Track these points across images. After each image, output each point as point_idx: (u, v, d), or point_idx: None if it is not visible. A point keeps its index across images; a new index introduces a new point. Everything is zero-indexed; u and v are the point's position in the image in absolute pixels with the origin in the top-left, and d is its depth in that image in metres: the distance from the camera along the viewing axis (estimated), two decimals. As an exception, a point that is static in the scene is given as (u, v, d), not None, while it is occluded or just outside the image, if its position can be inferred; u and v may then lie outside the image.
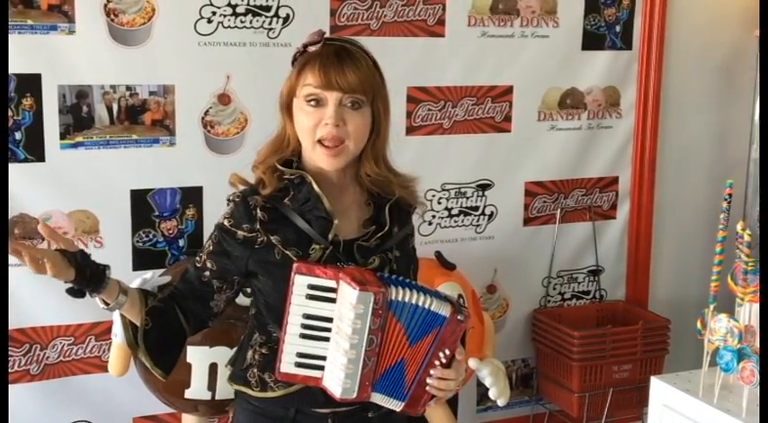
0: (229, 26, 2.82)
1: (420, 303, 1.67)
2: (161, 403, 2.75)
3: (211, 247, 1.82)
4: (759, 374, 1.89)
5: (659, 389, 2.49)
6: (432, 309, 1.67)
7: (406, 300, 1.67)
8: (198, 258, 1.84)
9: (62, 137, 2.69)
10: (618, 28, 3.42)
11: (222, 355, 2.51)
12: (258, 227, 1.75)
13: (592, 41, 3.38)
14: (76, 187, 2.73)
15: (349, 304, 1.64)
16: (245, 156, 2.90)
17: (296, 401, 1.79)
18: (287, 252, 1.74)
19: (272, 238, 1.74)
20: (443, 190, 3.24)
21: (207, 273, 1.81)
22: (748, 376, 2.21)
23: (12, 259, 1.65)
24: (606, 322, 3.49)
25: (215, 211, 2.86)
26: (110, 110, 2.73)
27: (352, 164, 1.80)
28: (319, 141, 1.72)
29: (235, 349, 1.95)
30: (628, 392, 3.31)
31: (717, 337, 2.33)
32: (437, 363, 1.70)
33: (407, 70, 3.07)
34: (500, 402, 2.54)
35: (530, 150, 3.35)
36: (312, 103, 1.72)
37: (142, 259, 2.83)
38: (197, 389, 2.58)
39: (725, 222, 2.35)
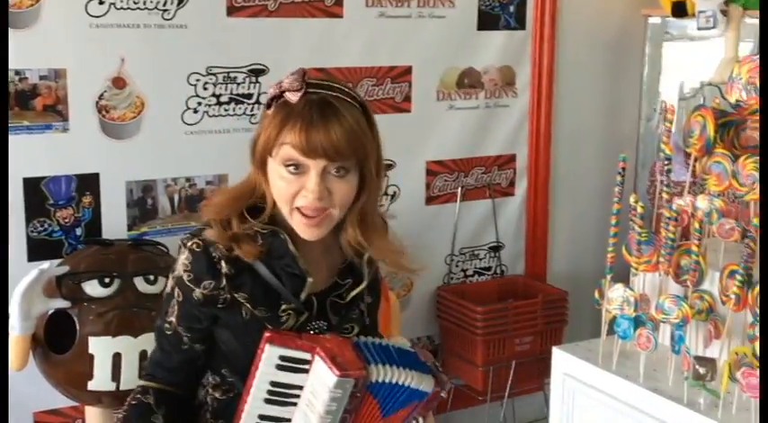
0: (122, 7, 2.74)
1: (402, 381, 1.55)
2: (61, 397, 2.68)
3: (177, 310, 1.61)
4: (760, 376, 1.97)
5: (561, 358, 2.57)
6: (415, 387, 1.56)
7: (387, 380, 1.54)
8: (167, 324, 1.63)
9: (-53, 124, 2.57)
10: (512, 8, 3.48)
11: (126, 344, 2.47)
12: (224, 283, 1.56)
13: (487, 21, 3.43)
14: (-35, 176, 2.62)
15: (325, 386, 1.51)
16: (142, 140, 2.86)
17: None
18: (255, 312, 1.58)
19: (236, 295, 1.57)
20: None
21: (185, 340, 1.63)
22: (644, 342, 2.30)
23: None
24: (507, 297, 3.57)
25: (112, 198, 2.84)
26: (-2, 95, 2.62)
27: None
28: (298, 208, 1.55)
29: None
30: (530, 364, 3.40)
31: (614, 307, 2.42)
32: None
33: (306, 52, 3.05)
34: None
35: (430, 130, 3.39)
36: (291, 168, 1.52)
37: (37, 250, 2.74)
38: (100, 380, 2.52)
39: (619, 195, 2.43)
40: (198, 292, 1.57)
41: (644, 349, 2.30)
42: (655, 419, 2.23)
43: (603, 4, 3.68)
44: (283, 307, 1.59)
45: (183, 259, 1.59)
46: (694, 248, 2.32)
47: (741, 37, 3.31)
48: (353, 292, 1.65)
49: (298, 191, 1.53)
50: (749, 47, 3.33)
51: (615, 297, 2.41)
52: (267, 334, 1.52)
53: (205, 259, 1.56)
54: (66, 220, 2.78)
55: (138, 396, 1.64)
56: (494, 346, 3.31)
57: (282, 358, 1.53)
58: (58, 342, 2.55)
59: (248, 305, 1.57)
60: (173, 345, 1.64)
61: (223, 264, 1.56)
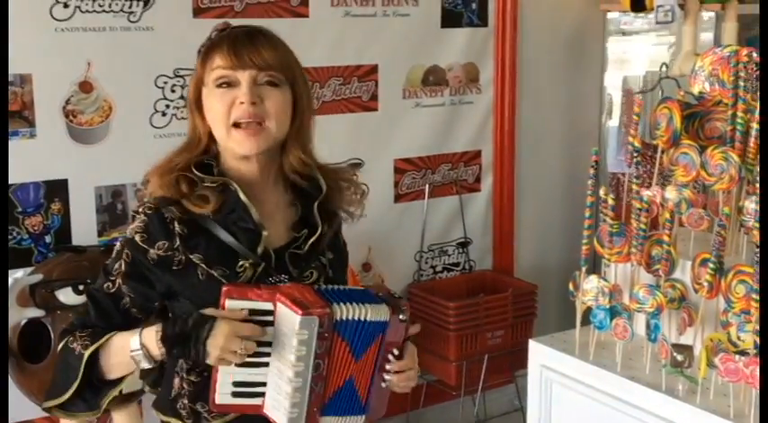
0: (87, 11, 2.71)
1: (362, 317, 1.55)
2: (34, 407, 2.63)
3: (123, 268, 1.60)
4: (759, 375, 2.01)
5: (537, 350, 2.60)
6: (372, 319, 1.56)
7: (350, 317, 1.54)
8: (109, 282, 1.61)
9: None
10: (474, 5, 3.51)
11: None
12: (177, 243, 1.57)
13: (450, 19, 3.46)
14: (-70, 186, 2.57)
15: (291, 330, 1.50)
16: (110, 145, 2.83)
17: None
18: (212, 272, 1.57)
19: (191, 256, 1.57)
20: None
21: (126, 300, 1.61)
22: (621, 332, 2.34)
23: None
24: (476, 291, 3.60)
25: (81, 204, 2.81)
26: (-38, 102, 2.58)
27: (275, 160, 1.64)
28: (235, 125, 1.57)
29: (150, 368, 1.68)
30: (501, 357, 3.43)
31: (588, 298, 2.45)
32: (388, 366, 1.61)
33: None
34: None
35: (397, 128, 3.41)
36: (223, 85, 1.56)
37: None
38: (76, 389, 2.49)
39: (593, 188, 2.46)
40: (152, 253, 1.57)
41: (621, 339, 2.34)
42: (633, 407, 2.27)
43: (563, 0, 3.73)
44: (240, 262, 1.58)
45: (136, 223, 1.60)
46: (665, 238, 2.36)
47: (699, 30, 3.39)
48: (310, 240, 1.65)
49: (231, 103, 1.56)
50: (708, 38, 3.41)
51: (590, 288, 2.44)
52: (225, 288, 1.52)
53: (158, 220, 1.57)
54: (36, 228, 2.74)
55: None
56: (466, 341, 3.34)
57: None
58: (31, 351, 2.51)
59: (203, 266, 1.57)
60: (112, 304, 1.61)
61: (176, 224, 1.57)
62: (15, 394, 2.60)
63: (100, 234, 2.83)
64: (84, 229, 2.80)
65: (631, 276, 2.46)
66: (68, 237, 2.78)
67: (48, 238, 2.76)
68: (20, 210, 2.71)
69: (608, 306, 2.41)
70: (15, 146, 2.67)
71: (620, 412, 2.31)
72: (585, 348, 2.47)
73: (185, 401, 1.64)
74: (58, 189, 2.76)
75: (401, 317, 1.60)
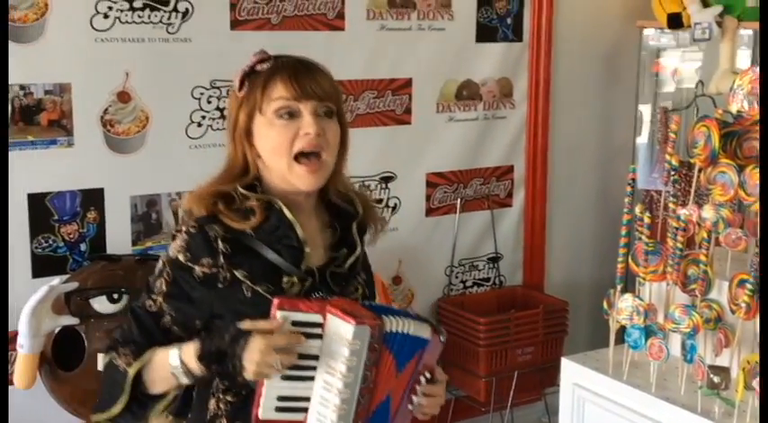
0: (127, 21, 2.74)
1: (408, 331, 1.55)
2: (66, 415, 2.65)
3: (165, 288, 1.60)
4: (760, 376, 1.99)
5: (569, 368, 2.58)
6: (415, 334, 1.56)
7: (399, 329, 1.54)
8: (150, 301, 1.62)
9: (-48, 140, 2.55)
10: (509, 20, 3.51)
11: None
12: (221, 261, 1.56)
13: (485, 34, 3.46)
14: (-30, 193, 2.60)
15: (343, 340, 1.49)
16: (146, 154, 2.85)
17: None
18: (257, 288, 1.57)
19: (236, 273, 1.57)
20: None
21: (167, 319, 1.61)
22: (656, 352, 2.32)
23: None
24: (507, 307, 3.58)
25: (117, 213, 2.83)
26: (3, 111, 2.61)
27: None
28: (296, 158, 1.58)
29: (175, 396, 1.68)
30: (531, 374, 3.41)
31: (623, 317, 2.43)
32: (419, 388, 1.60)
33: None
34: None
35: (430, 142, 3.40)
36: (285, 116, 1.57)
37: (42, 266, 2.71)
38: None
39: (629, 206, 2.45)
40: (198, 270, 1.57)
41: (656, 359, 2.32)
42: (668, 428, 2.25)
43: (599, 15, 3.72)
44: (285, 279, 1.59)
45: (178, 242, 1.59)
46: (702, 258, 2.34)
47: (736, 48, 3.36)
48: (350, 259, 1.67)
49: (294, 134, 1.57)
50: (746, 55, 3.38)
51: (625, 307, 2.42)
52: (276, 300, 1.51)
53: (201, 238, 1.57)
54: (71, 236, 2.76)
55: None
56: (496, 357, 3.32)
57: (295, 324, 1.51)
58: (65, 359, 2.53)
59: (248, 282, 1.57)
60: (153, 322, 1.61)
61: (220, 242, 1.57)
62: (48, 401, 2.62)
63: (134, 243, 2.84)
64: (119, 238, 2.81)
65: (666, 296, 2.44)
66: (103, 245, 2.80)
67: (83, 247, 2.78)
68: (56, 218, 2.73)
69: (643, 325, 2.39)
70: (53, 154, 2.69)
71: (654, 433, 2.30)
72: (619, 368, 2.45)
73: (224, 421, 1.63)
74: (94, 198, 2.77)
75: (441, 338, 1.60)
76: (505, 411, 3.44)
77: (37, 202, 2.69)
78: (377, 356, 1.53)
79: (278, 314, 1.50)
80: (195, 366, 1.54)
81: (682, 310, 2.32)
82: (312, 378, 1.54)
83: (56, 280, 2.49)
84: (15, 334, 2.47)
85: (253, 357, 1.47)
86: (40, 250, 2.72)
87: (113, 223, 2.81)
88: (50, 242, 2.73)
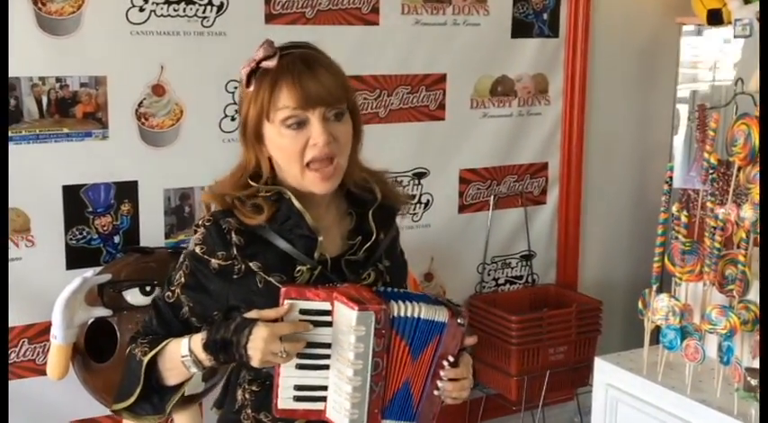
0: (162, 15, 2.74)
1: (418, 314, 1.54)
2: (98, 405, 2.66)
3: (183, 280, 1.63)
4: (760, 376, 1.95)
5: (603, 368, 2.55)
6: (430, 318, 1.55)
7: (408, 314, 1.53)
8: (169, 292, 1.64)
9: (-11, 132, 2.57)
10: (545, 16, 3.46)
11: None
12: (235, 253, 1.58)
13: (521, 29, 3.42)
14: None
15: (348, 327, 1.50)
16: (180, 148, 2.86)
17: None
18: (270, 279, 1.58)
19: (250, 264, 1.58)
20: (385, 173, 3.23)
21: (185, 310, 1.63)
22: (692, 353, 2.29)
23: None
24: (539, 306, 3.55)
25: (150, 206, 2.84)
26: (39, 103, 2.62)
27: None
28: (308, 165, 1.57)
29: (220, 388, 1.75)
30: (563, 374, 3.37)
31: (658, 317, 2.40)
32: (442, 373, 1.58)
33: (343, 59, 3.01)
34: None
35: (463, 138, 3.37)
36: (293, 126, 1.55)
37: (76, 258, 2.73)
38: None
39: (666, 204, 2.41)
40: (214, 263, 1.59)
41: (692, 360, 2.29)
42: (703, 431, 2.22)
43: (637, 11, 3.66)
44: (297, 268, 1.59)
45: (196, 236, 1.62)
46: (741, 258, 2.30)
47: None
48: (366, 245, 1.65)
49: (305, 144, 1.56)
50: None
51: (660, 307, 2.39)
52: (283, 289, 1.53)
53: (215, 231, 1.59)
54: (105, 228, 2.77)
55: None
56: (528, 356, 3.28)
57: (303, 312, 1.52)
58: (98, 350, 2.54)
59: (262, 273, 1.58)
60: (172, 313, 1.64)
61: (233, 234, 1.58)
62: (80, 392, 2.64)
63: (167, 236, 2.86)
64: (152, 231, 2.83)
65: (703, 296, 2.40)
66: (137, 238, 2.81)
67: (116, 239, 2.79)
68: (90, 210, 2.74)
69: (679, 326, 2.36)
70: (88, 147, 2.71)
71: (688, 436, 2.26)
72: (653, 368, 2.42)
73: (249, 411, 1.64)
74: (128, 190, 2.78)
75: (459, 320, 1.57)
76: (537, 411, 3.41)
77: (72, 194, 2.71)
78: (386, 342, 1.52)
79: (285, 303, 1.52)
80: (203, 356, 1.55)
81: (719, 311, 2.28)
82: (327, 366, 1.54)
83: (89, 272, 2.50)
84: (49, 324, 2.49)
85: (257, 346, 1.49)
86: (74, 242, 2.74)
87: (147, 216, 2.82)
88: (84, 234, 2.75)
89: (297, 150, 1.56)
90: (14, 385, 2.71)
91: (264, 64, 1.57)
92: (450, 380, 1.60)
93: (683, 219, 2.42)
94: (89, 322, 2.52)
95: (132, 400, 1.65)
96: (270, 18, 2.89)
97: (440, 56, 3.26)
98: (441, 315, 1.56)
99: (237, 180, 1.63)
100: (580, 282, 3.75)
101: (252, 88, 1.59)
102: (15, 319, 2.67)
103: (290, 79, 1.54)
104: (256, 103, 1.58)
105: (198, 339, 1.56)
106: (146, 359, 1.61)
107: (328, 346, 1.53)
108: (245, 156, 1.65)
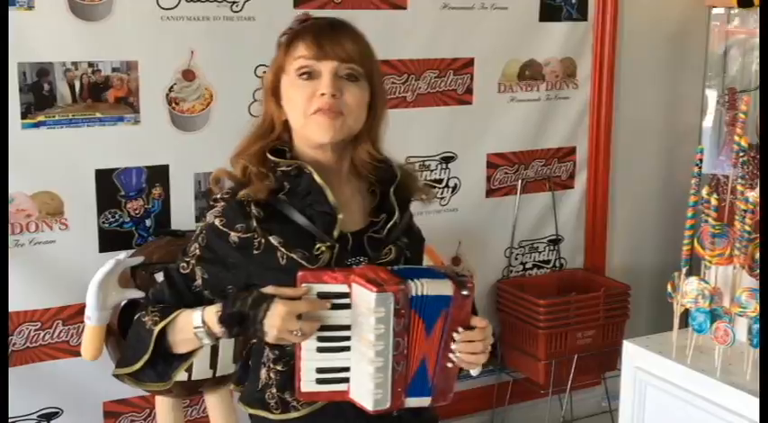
0: (192, 0, 2.76)
1: (427, 291, 1.55)
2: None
3: (199, 252, 1.62)
4: (759, 370, 1.95)
5: (632, 352, 2.54)
6: (436, 293, 1.56)
7: (424, 292, 1.54)
8: (184, 263, 1.63)
9: (23, 116, 2.60)
10: (574, -1, 3.46)
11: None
12: (254, 226, 1.57)
13: (549, 13, 3.41)
14: (40, 168, 2.66)
15: (367, 309, 1.51)
16: (210, 132, 2.88)
17: (323, 420, 1.62)
18: (292, 255, 1.57)
19: (270, 238, 1.57)
20: (408, 163, 3.24)
21: (198, 282, 1.63)
22: (722, 336, 2.28)
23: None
24: (567, 290, 3.55)
25: (181, 190, 2.87)
26: (72, 87, 2.65)
27: (347, 152, 1.66)
28: (314, 114, 1.58)
29: (238, 366, 1.75)
30: (590, 358, 3.38)
31: (688, 300, 2.39)
32: (453, 345, 1.59)
33: (371, 43, 3.04)
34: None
35: (491, 122, 3.37)
36: (304, 76, 1.57)
37: (108, 241, 2.77)
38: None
39: (696, 187, 2.40)
40: (233, 235, 1.58)
41: (722, 343, 2.28)
42: (732, 413, 2.21)
43: (666, -6, 3.64)
44: (317, 245, 1.58)
45: (215, 209, 1.61)
46: (771, 241, 2.28)
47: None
48: (389, 224, 1.65)
49: (312, 94, 1.57)
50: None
51: (690, 290, 2.38)
52: (300, 273, 1.53)
53: (236, 203, 1.58)
54: (137, 212, 2.81)
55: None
56: (556, 340, 3.29)
57: (321, 296, 1.52)
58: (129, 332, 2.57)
59: (283, 249, 1.57)
60: (184, 284, 1.63)
61: (253, 206, 1.58)
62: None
63: (197, 219, 2.88)
64: (183, 215, 2.86)
65: (733, 279, 2.39)
66: (168, 221, 2.84)
67: (148, 222, 2.83)
68: (122, 193, 2.78)
69: (708, 309, 2.35)
70: (120, 131, 2.74)
71: (717, 418, 2.25)
72: (683, 351, 2.41)
73: (273, 391, 1.64)
74: (159, 174, 2.82)
75: (463, 292, 1.57)
76: (564, 395, 3.42)
77: (104, 178, 2.75)
78: (406, 322, 1.53)
79: (303, 287, 1.53)
80: (217, 329, 1.55)
81: (749, 294, 2.27)
82: (348, 348, 1.55)
83: (122, 254, 2.54)
84: (83, 306, 2.53)
85: (274, 323, 1.49)
86: (106, 225, 2.78)
87: (177, 200, 2.86)
88: (117, 217, 2.79)
89: (304, 99, 1.57)
90: (49, 366, 2.77)
91: (295, 26, 1.63)
92: (463, 342, 1.59)
93: (713, 202, 2.41)
94: (122, 304, 2.56)
95: (138, 366, 1.65)
96: (298, 2, 2.91)
97: (467, 40, 3.26)
98: (446, 289, 1.57)
99: (250, 142, 1.64)
100: (608, 266, 3.75)
101: (280, 47, 1.64)
102: (49, 301, 2.72)
103: (310, 34, 1.59)
104: (276, 60, 1.63)
105: (212, 311, 1.56)
106: (156, 329, 1.60)
107: (348, 328, 1.54)
108: (261, 116, 1.67)
